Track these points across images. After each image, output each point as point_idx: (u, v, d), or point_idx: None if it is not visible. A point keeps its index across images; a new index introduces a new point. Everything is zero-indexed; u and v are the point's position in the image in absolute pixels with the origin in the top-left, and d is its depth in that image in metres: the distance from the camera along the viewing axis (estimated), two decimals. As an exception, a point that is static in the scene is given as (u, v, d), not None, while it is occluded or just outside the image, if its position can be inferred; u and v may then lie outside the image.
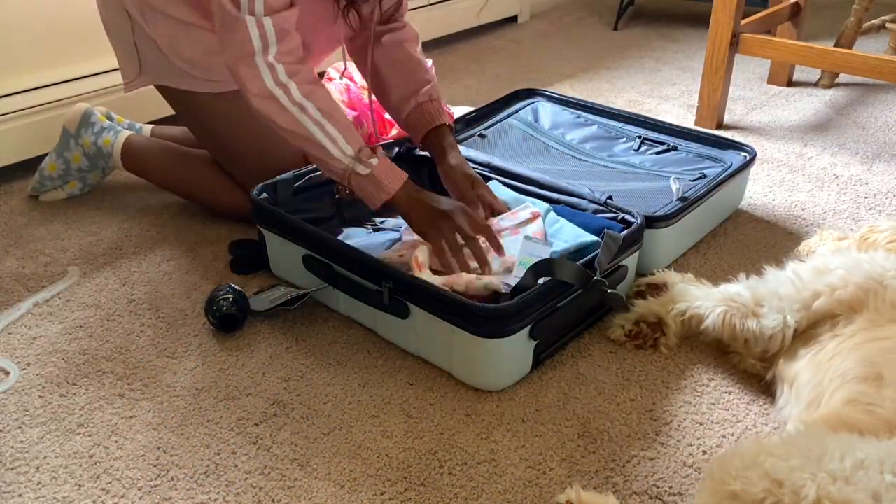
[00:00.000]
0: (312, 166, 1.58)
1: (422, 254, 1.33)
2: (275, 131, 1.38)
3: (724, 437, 1.17)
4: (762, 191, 1.87)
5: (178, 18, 1.49)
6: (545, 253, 1.29)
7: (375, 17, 1.52)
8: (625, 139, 1.84)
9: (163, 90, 1.64)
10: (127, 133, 1.76)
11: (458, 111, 1.96)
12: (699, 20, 3.20)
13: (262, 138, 1.58)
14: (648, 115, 2.03)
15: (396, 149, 1.68)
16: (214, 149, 1.65)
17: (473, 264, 1.31)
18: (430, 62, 1.63)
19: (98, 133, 1.74)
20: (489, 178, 1.59)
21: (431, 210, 1.34)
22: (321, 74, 1.82)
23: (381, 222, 1.59)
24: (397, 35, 1.58)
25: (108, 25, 1.61)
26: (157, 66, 1.58)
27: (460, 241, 1.31)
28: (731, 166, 1.67)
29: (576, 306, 1.28)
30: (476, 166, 1.62)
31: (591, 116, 1.93)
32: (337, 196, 1.55)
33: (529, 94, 2.04)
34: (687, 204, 1.51)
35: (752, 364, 1.27)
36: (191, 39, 1.50)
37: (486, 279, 1.28)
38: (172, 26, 1.50)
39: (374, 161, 1.34)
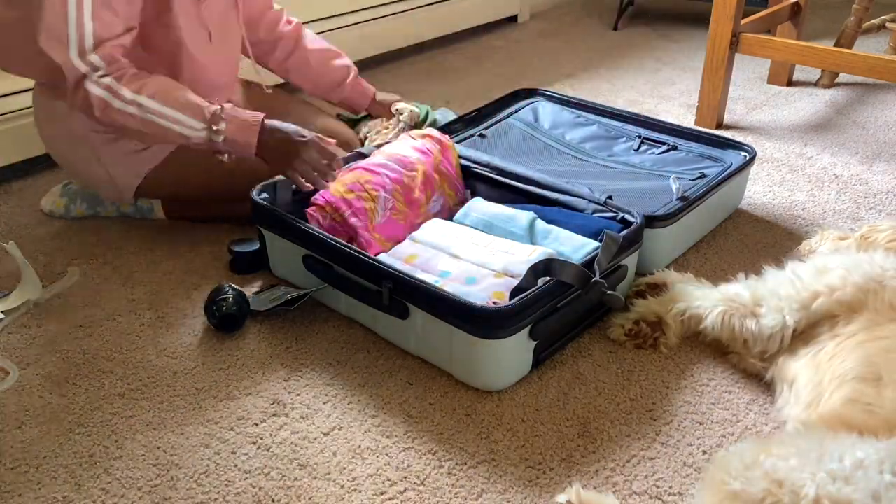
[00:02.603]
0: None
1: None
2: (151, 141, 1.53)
3: (724, 436, 1.17)
4: (762, 190, 1.87)
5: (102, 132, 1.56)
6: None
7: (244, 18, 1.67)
8: (625, 139, 1.84)
9: (149, 186, 1.64)
10: None
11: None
12: (699, 20, 3.20)
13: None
14: (648, 114, 2.02)
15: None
16: (229, 173, 1.62)
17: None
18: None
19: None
20: (487, 179, 1.59)
21: (286, 153, 1.46)
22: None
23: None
24: (289, 35, 1.81)
25: (73, 163, 1.63)
26: (128, 171, 1.61)
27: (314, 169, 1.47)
28: (730, 166, 1.67)
29: (575, 306, 1.28)
30: (476, 166, 1.62)
31: (591, 116, 1.93)
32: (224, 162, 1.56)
33: (529, 93, 2.04)
34: (687, 204, 1.51)
35: (752, 364, 1.27)
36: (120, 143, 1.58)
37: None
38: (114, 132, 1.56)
39: (223, 126, 1.43)
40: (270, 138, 1.46)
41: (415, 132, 1.67)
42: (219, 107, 1.44)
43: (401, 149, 1.59)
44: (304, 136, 1.47)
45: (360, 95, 1.87)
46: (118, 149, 1.57)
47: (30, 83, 1.77)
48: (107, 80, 1.37)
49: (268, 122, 1.47)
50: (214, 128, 1.42)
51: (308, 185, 1.47)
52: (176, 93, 1.43)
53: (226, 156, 1.50)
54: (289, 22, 1.82)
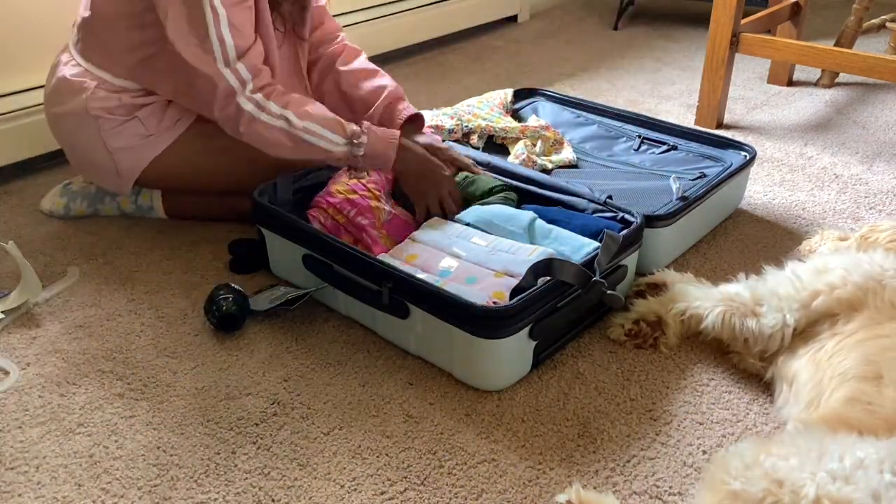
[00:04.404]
0: (312, 166, 1.58)
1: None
2: (270, 155, 1.49)
3: (724, 436, 1.17)
4: (762, 190, 1.87)
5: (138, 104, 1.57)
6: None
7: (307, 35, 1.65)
8: (625, 139, 1.84)
9: (151, 175, 1.63)
10: None
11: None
12: (699, 20, 3.20)
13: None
14: (648, 114, 2.03)
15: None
16: (231, 167, 1.64)
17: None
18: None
19: (137, 192, 1.72)
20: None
21: (423, 178, 1.51)
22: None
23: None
24: (329, 55, 1.73)
25: (77, 145, 1.61)
26: (133, 156, 1.60)
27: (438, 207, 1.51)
28: (731, 166, 1.67)
29: (575, 306, 1.28)
30: (476, 166, 1.62)
31: (590, 116, 1.93)
32: (353, 178, 1.55)
33: (529, 93, 2.04)
34: (687, 203, 1.51)
35: (752, 363, 1.27)
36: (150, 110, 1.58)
37: None
38: (135, 107, 1.57)
39: (365, 139, 1.47)
40: (407, 156, 1.50)
41: None
42: (357, 125, 1.48)
43: None
44: (440, 166, 1.52)
45: (388, 121, 1.63)
46: (127, 132, 1.56)
47: (30, 83, 1.77)
48: (257, 96, 1.43)
49: (404, 140, 1.51)
50: (356, 142, 1.46)
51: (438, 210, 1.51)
52: (318, 109, 1.48)
53: (364, 172, 1.53)
54: (338, 42, 1.75)
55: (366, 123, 1.49)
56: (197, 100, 1.48)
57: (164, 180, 1.66)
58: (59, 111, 1.61)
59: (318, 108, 1.47)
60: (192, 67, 1.40)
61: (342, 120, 1.47)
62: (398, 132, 1.51)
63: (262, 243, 1.52)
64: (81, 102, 1.55)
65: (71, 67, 1.58)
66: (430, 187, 1.50)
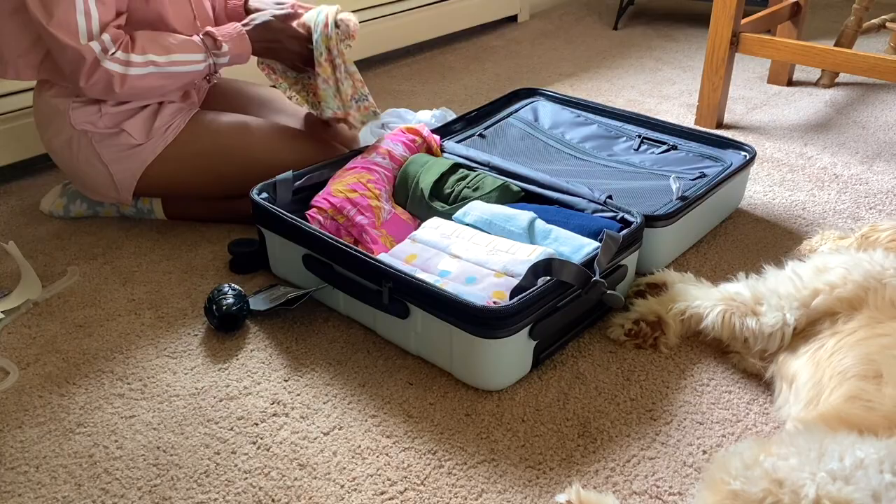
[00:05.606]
0: (312, 166, 1.58)
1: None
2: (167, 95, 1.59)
3: (724, 436, 1.17)
4: (762, 190, 1.87)
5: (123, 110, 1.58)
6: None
7: None
8: (625, 138, 1.84)
9: (149, 184, 1.63)
10: None
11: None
12: (699, 20, 3.20)
13: (249, 133, 1.63)
14: (648, 114, 2.03)
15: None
16: (227, 170, 1.64)
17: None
18: None
19: (137, 196, 1.72)
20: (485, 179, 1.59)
21: (273, 50, 1.63)
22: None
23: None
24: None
25: (73, 163, 1.61)
26: (127, 167, 1.60)
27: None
28: (730, 166, 1.67)
29: (575, 306, 1.28)
30: (476, 165, 1.62)
31: (590, 116, 1.93)
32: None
33: (529, 93, 2.04)
34: (687, 203, 1.51)
35: (752, 363, 1.27)
36: (137, 119, 1.59)
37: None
38: (122, 116, 1.58)
39: (225, 47, 1.55)
40: (260, 47, 1.61)
41: (403, 126, 1.68)
42: (202, 34, 1.55)
43: (389, 143, 1.60)
44: (287, 30, 1.62)
45: (234, 15, 1.73)
46: (117, 144, 1.57)
47: (29, 83, 1.77)
48: (118, 54, 1.45)
49: (247, 27, 1.58)
50: (217, 52, 1.54)
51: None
52: (169, 39, 1.52)
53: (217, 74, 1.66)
54: None
55: (212, 31, 1.54)
56: (65, 73, 1.48)
57: (164, 188, 1.66)
58: (49, 134, 1.62)
59: (169, 38, 1.51)
60: (59, 42, 1.42)
61: (191, 38, 1.53)
62: (240, 25, 1.58)
63: (262, 243, 1.52)
64: (66, 120, 1.56)
65: (48, 88, 1.59)
66: (285, 55, 1.64)
